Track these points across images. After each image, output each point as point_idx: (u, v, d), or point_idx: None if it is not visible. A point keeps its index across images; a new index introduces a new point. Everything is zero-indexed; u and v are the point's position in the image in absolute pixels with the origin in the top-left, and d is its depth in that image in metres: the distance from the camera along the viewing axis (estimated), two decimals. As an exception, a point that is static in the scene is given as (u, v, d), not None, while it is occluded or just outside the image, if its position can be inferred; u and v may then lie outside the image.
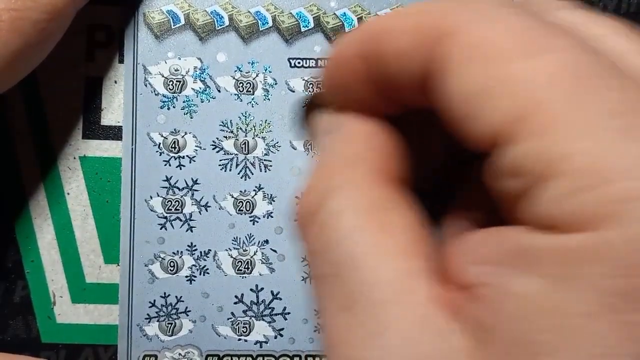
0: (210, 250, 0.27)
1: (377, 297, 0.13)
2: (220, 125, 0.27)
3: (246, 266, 0.27)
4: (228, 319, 0.27)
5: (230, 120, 0.27)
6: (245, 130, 0.27)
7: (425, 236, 0.14)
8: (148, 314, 0.26)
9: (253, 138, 0.27)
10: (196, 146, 0.27)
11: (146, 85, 0.27)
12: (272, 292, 0.27)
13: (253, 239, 0.27)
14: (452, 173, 0.17)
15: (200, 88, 0.27)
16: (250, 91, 0.27)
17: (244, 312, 0.27)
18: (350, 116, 0.16)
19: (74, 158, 0.27)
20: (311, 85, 0.27)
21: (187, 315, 0.27)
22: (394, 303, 0.13)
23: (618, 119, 0.11)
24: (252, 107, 0.27)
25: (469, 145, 0.13)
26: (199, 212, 0.27)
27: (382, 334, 0.12)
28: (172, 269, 0.27)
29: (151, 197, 0.27)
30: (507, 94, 0.11)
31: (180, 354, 0.26)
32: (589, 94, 0.11)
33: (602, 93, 0.11)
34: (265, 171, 0.27)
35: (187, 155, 0.27)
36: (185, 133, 0.27)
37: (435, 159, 0.18)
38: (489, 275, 0.12)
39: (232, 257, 0.27)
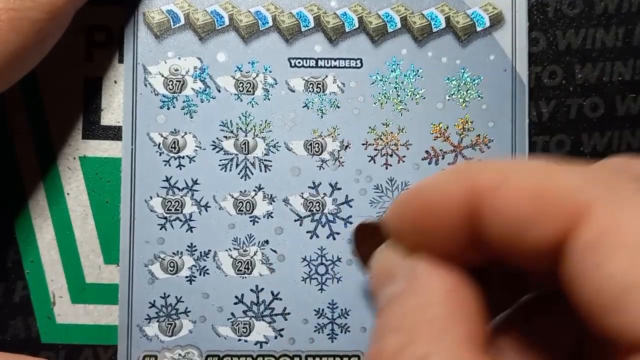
0: (210, 250, 0.27)
1: None
2: (220, 125, 0.27)
3: (246, 266, 0.27)
4: (228, 319, 0.27)
5: (230, 120, 0.27)
6: (245, 130, 0.27)
7: None
8: (148, 315, 0.26)
9: (253, 138, 0.27)
10: (196, 146, 0.27)
11: (146, 85, 0.27)
12: (272, 293, 0.27)
13: (253, 239, 0.27)
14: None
15: (200, 88, 0.27)
16: (250, 91, 0.27)
17: (244, 312, 0.27)
18: (426, 263, 0.14)
19: (74, 158, 0.27)
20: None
21: (187, 315, 0.26)
22: None
23: None
24: (252, 107, 0.27)
25: (601, 335, 0.12)
26: (199, 212, 0.27)
27: None
28: (172, 269, 0.27)
29: (151, 197, 0.27)
30: None
31: (180, 355, 0.26)
32: None
33: None
34: (265, 171, 0.27)
35: (187, 155, 0.27)
36: (185, 133, 0.27)
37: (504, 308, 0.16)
38: None
39: (232, 257, 0.27)
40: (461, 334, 0.13)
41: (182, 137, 0.27)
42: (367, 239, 0.16)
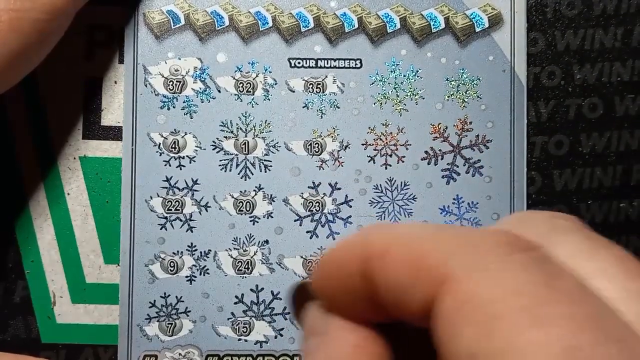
0: (210, 250, 0.27)
1: None
2: (220, 125, 0.27)
3: (246, 266, 0.27)
4: (228, 319, 0.27)
5: (230, 121, 0.27)
6: (245, 130, 0.27)
7: None
8: (148, 314, 0.26)
9: (253, 138, 0.27)
10: (196, 146, 0.27)
11: (146, 86, 0.27)
12: (272, 292, 0.27)
13: (253, 239, 0.27)
14: None
15: (200, 88, 0.27)
16: (250, 91, 0.27)
17: (244, 312, 0.27)
18: (338, 322, 0.15)
19: (74, 158, 0.27)
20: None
21: (187, 315, 0.27)
22: None
23: None
24: (252, 107, 0.27)
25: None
26: (199, 212, 0.27)
27: None
28: (172, 269, 0.27)
29: (151, 197, 0.27)
30: None
31: (180, 354, 0.26)
32: None
33: None
34: (265, 171, 0.27)
35: (187, 156, 0.27)
36: (185, 133, 0.27)
37: None
38: None
39: (232, 257, 0.27)
40: None
41: (182, 137, 0.27)
42: (303, 298, 0.17)
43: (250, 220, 0.27)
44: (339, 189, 0.27)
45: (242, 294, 0.27)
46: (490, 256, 0.12)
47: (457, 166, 0.27)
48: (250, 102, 0.27)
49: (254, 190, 0.27)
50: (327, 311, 0.16)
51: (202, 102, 0.27)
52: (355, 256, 0.14)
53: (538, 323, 0.11)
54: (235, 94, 0.27)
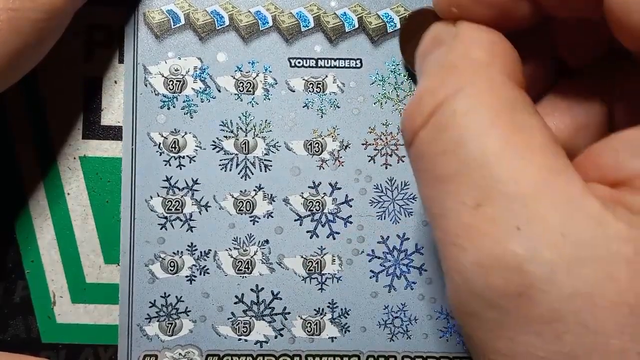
0: (211, 250, 0.27)
1: (520, 191, 0.13)
2: (220, 125, 0.27)
3: (246, 266, 0.27)
4: (228, 318, 0.27)
5: (230, 120, 0.27)
6: (245, 130, 0.27)
7: (555, 137, 0.14)
8: (148, 314, 0.26)
9: (253, 138, 0.27)
10: (196, 146, 0.27)
11: (146, 85, 0.27)
12: (272, 292, 0.27)
13: (253, 239, 0.27)
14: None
15: (200, 88, 0.27)
16: (250, 91, 0.27)
17: (244, 312, 0.27)
18: (470, 24, 0.15)
19: (74, 158, 0.27)
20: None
21: (187, 315, 0.27)
22: (542, 196, 0.12)
23: None
24: (252, 107, 0.27)
25: (627, 43, 0.13)
26: (199, 212, 0.27)
27: (530, 226, 0.12)
28: (172, 269, 0.27)
29: (151, 197, 0.27)
30: None
31: (180, 354, 0.26)
32: None
33: None
34: (265, 171, 0.27)
35: (187, 155, 0.27)
36: (185, 133, 0.27)
37: (540, 74, 0.17)
38: None
39: (232, 257, 0.27)
40: (503, 70, 0.14)
41: (183, 137, 0.27)
42: (415, 32, 0.17)
43: (251, 220, 0.27)
44: (339, 188, 0.27)
45: (242, 294, 0.27)
46: None
47: (458, 166, 0.27)
48: (251, 102, 0.27)
49: (254, 190, 0.27)
50: (452, 24, 0.16)
51: (202, 101, 0.27)
52: None
53: None
54: (235, 94, 0.27)
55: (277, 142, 0.27)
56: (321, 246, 0.27)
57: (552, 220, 0.12)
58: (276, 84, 0.27)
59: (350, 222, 0.27)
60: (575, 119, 0.17)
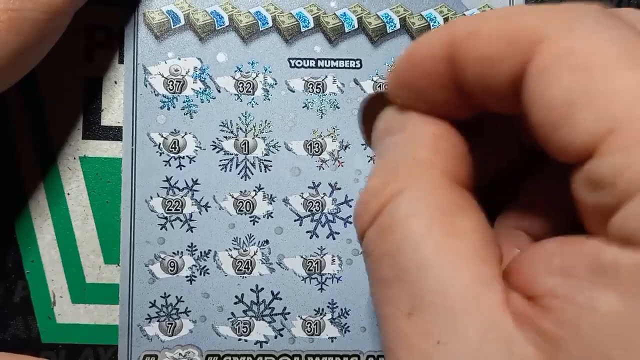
0: (210, 250, 0.27)
1: (445, 304, 0.13)
2: (220, 125, 0.27)
3: (246, 266, 0.27)
4: (228, 319, 0.27)
5: (230, 121, 0.27)
6: (245, 130, 0.27)
7: (493, 241, 0.14)
8: (148, 314, 0.26)
9: (253, 138, 0.27)
10: (196, 146, 0.27)
11: (146, 86, 0.27)
12: (272, 292, 0.27)
13: (253, 239, 0.27)
14: (506, 178, 0.17)
15: (200, 88, 0.27)
16: (250, 91, 0.27)
17: (244, 312, 0.27)
18: (417, 116, 0.15)
19: (74, 158, 0.27)
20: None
21: (188, 315, 0.27)
22: (463, 310, 0.12)
23: None
24: (252, 107, 0.27)
25: (554, 155, 0.13)
26: (199, 212, 0.27)
27: (448, 343, 0.12)
28: (172, 269, 0.27)
29: (151, 198, 0.27)
30: (602, 105, 0.11)
31: (180, 354, 0.26)
32: None
33: None
34: (265, 171, 0.27)
35: (187, 156, 0.27)
36: (185, 133, 0.27)
37: (492, 164, 0.17)
38: (563, 287, 0.12)
39: (232, 257, 0.27)
40: (444, 170, 0.14)
41: (182, 137, 0.27)
42: (372, 111, 0.17)
43: (250, 220, 0.27)
44: (339, 189, 0.27)
45: (242, 294, 0.27)
46: (584, 18, 0.12)
47: (457, 166, 0.27)
48: (250, 102, 0.27)
49: (254, 190, 0.27)
50: (403, 111, 0.16)
51: (202, 102, 0.27)
52: (441, 41, 0.14)
53: (636, 67, 0.11)
54: (235, 94, 0.27)
55: (277, 143, 0.27)
56: (321, 246, 0.27)
57: (471, 337, 0.12)
58: (276, 84, 0.27)
59: (350, 222, 0.27)
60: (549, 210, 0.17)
